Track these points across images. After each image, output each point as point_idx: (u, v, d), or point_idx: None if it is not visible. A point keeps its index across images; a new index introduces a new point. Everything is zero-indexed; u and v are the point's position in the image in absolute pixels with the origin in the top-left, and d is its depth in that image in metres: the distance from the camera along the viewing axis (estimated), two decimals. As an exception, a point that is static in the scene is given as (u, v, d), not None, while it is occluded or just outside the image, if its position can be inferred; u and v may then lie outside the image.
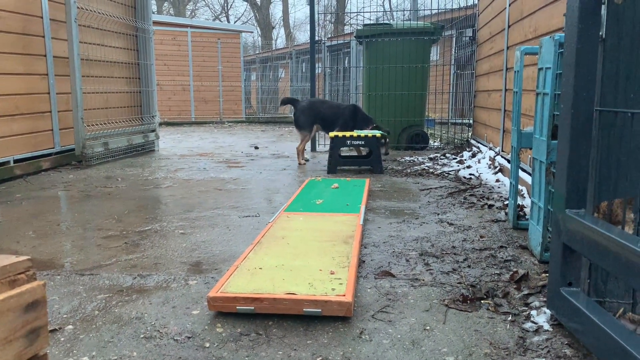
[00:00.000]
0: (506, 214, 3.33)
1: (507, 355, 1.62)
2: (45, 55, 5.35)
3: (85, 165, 5.60)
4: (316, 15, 7.12)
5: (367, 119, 5.94)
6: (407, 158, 6.30)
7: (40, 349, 0.93)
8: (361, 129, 5.69)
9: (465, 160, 5.77)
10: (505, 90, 5.15)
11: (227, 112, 13.95)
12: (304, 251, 2.42)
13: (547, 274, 2.00)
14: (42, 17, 5.29)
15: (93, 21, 5.93)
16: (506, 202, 3.59)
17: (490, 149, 5.61)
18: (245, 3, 29.15)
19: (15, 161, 4.91)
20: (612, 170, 1.64)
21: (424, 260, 2.50)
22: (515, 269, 2.31)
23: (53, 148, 5.50)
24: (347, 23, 20.49)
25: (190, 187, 4.46)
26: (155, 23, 8.85)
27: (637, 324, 1.66)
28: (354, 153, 6.05)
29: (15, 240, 2.88)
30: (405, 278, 2.26)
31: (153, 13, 7.58)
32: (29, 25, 5.11)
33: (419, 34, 7.09)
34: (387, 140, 5.95)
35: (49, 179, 4.85)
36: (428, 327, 1.81)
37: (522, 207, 3.29)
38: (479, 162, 5.39)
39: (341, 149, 5.39)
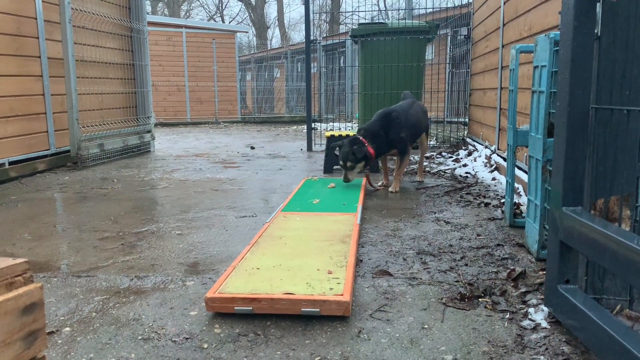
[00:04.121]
0: (503, 212, 3.33)
1: (505, 353, 1.62)
2: (39, 57, 5.33)
3: (80, 167, 5.58)
4: (311, 15, 7.11)
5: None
6: (403, 157, 6.30)
7: (38, 351, 0.92)
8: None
9: (461, 158, 5.78)
10: (501, 88, 5.16)
11: (222, 112, 13.93)
12: (302, 251, 2.42)
13: (544, 272, 2.01)
14: (36, 18, 5.27)
15: (87, 22, 5.90)
16: (502, 200, 3.60)
17: (486, 147, 5.62)
18: (240, 3, 29.12)
19: (10, 163, 4.89)
20: (608, 168, 1.64)
21: (421, 259, 2.50)
22: (512, 267, 2.32)
23: (48, 150, 5.48)
24: (342, 22, 20.50)
25: (187, 187, 4.46)
26: (150, 24, 8.83)
27: (634, 320, 1.66)
28: None
29: (11, 242, 2.87)
30: (403, 277, 2.26)
31: (147, 14, 7.57)
32: (22, 26, 5.09)
33: (414, 32, 7.10)
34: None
35: (44, 181, 4.83)
36: (426, 326, 1.81)
37: (518, 205, 3.30)
38: (475, 160, 5.40)
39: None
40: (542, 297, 1.96)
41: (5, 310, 0.85)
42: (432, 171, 5.14)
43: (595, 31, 1.59)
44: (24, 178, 4.94)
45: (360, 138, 4.09)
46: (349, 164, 4.04)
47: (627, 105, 1.59)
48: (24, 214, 3.52)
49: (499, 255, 2.53)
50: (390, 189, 4.18)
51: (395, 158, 4.42)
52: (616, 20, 1.57)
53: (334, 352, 1.63)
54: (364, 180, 4.25)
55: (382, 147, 4.15)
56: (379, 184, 4.41)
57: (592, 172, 1.66)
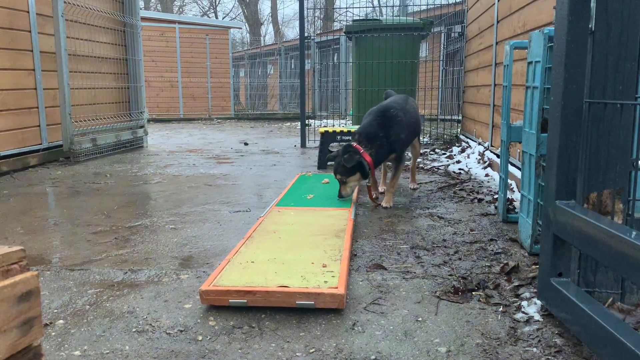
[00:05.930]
0: (496, 207, 3.35)
1: (498, 345, 1.63)
2: (31, 51, 5.29)
3: (73, 162, 5.55)
4: (305, 11, 7.10)
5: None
6: (397, 153, 6.30)
7: (34, 339, 0.92)
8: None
9: (454, 155, 5.80)
10: (495, 85, 5.18)
11: (215, 108, 13.89)
12: (296, 245, 2.42)
13: (537, 266, 2.02)
14: (28, 12, 5.23)
15: (80, 16, 5.87)
16: (495, 196, 3.62)
17: (480, 144, 5.64)
18: (234, -1, 29.03)
19: (2, 157, 4.86)
20: (601, 162, 1.65)
21: (415, 253, 2.51)
22: (505, 261, 2.33)
23: (40, 144, 5.44)
24: (336, 19, 20.47)
25: (180, 183, 4.44)
26: (143, 19, 8.76)
27: (625, 313, 1.68)
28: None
29: (4, 236, 2.85)
30: (397, 270, 2.27)
31: (141, 8, 7.52)
32: (14, 19, 5.05)
33: (408, 29, 7.11)
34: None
35: (36, 175, 4.80)
36: (420, 319, 1.82)
37: (511, 200, 3.31)
38: (468, 157, 5.42)
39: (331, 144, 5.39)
40: (535, 290, 1.98)
41: (1, 298, 0.85)
42: (425, 167, 5.15)
43: (590, 26, 1.60)
44: (16, 172, 4.90)
45: (354, 145, 3.44)
46: (338, 177, 3.43)
47: (620, 99, 1.60)
48: (16, 208, 3.50)
49: (492, 250, 2.55)
50: (382, 204, 3.50)
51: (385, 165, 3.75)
52: (610, 14, 1.58)
53: (329, 344, 1.64)
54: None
55: (382, 153, 3.48)
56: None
57: (585, 166, 1.67)
